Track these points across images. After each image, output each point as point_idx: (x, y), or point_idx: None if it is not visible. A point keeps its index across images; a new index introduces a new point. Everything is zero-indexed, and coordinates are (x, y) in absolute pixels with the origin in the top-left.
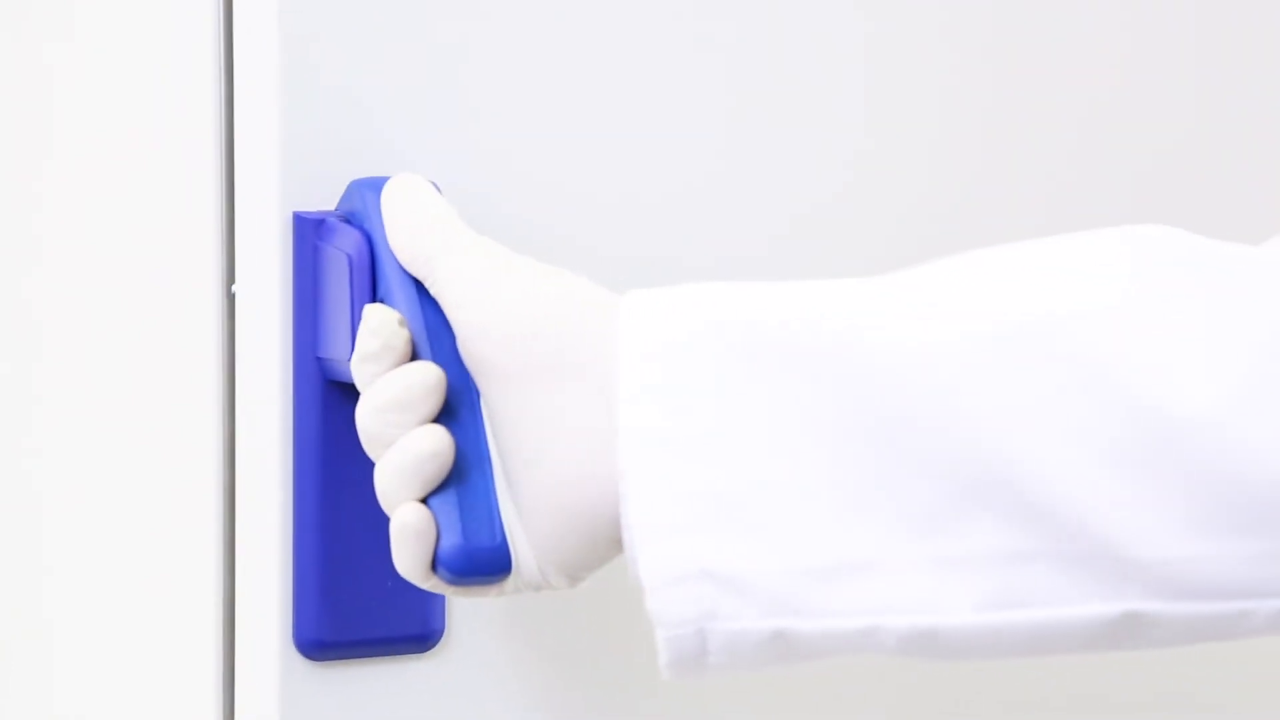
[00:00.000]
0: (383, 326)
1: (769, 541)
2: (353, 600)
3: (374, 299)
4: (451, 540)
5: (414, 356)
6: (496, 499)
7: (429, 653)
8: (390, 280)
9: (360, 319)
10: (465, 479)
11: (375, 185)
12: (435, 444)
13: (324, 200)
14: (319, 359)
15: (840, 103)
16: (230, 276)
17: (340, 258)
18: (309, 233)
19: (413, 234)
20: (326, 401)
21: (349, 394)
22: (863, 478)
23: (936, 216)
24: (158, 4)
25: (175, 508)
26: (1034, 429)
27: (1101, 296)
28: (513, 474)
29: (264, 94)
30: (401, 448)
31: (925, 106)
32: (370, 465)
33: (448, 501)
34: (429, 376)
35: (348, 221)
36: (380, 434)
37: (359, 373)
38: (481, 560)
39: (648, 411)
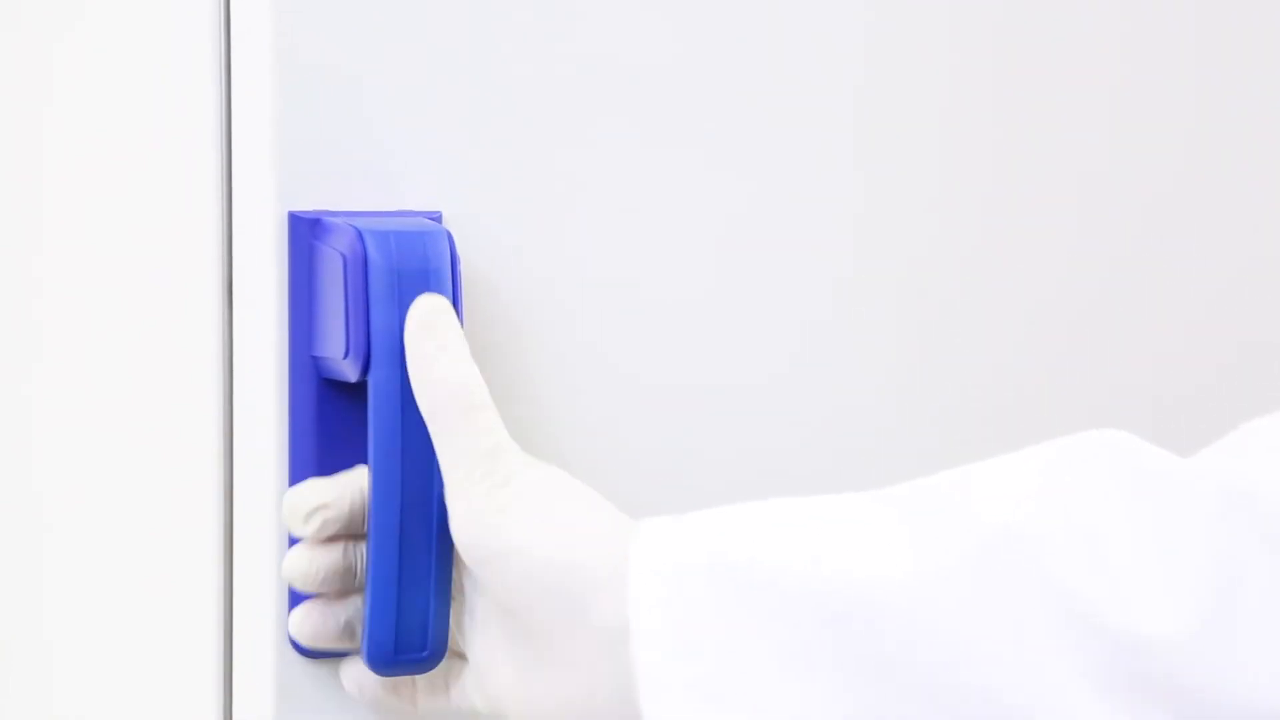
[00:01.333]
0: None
1: None
2: None
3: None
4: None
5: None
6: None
7: None
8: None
9: (353, 321)
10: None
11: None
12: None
13: (319, 200)
14: (314, 357)
15: (845, 113)
16: (227, 275)
17: (335, 256)
18: (304, 232)
19: (430, 400)
20: (321, 399)
21: (344, 392)
22: (867, 716)
23: (939, 219)
24: (156, 4)
25: (173, 506)
26: (1018, 658)
27: (1060, 516)
28: (513, 685)
29: (260, 94)
30: (323, 609)
31: (928, 110)
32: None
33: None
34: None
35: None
36: (305, 587)
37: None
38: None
39: (660, 656)
